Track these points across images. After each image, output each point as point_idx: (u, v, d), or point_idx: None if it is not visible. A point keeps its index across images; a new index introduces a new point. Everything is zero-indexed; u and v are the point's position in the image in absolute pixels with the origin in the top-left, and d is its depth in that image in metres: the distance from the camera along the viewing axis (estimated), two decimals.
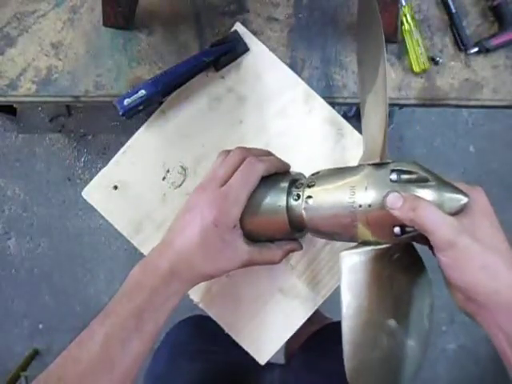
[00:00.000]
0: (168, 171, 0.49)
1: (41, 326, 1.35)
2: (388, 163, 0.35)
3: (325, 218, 0.37)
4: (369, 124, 0.40)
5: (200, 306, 0.48)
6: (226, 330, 0.48)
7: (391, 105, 0.52)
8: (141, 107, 0.45)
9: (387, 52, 0.50)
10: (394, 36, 0.49)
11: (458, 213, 0.32)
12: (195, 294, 0.47)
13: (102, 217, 0.49)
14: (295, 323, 0.47)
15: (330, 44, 0.50)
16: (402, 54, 0.50)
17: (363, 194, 0.34)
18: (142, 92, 0.44)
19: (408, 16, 0.49)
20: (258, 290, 0.48)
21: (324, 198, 0.37)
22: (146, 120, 0.49)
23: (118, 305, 0.35)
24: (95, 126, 1.26)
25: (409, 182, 0.33)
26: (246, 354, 0.47)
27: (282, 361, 0.72)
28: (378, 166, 0.35)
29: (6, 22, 0.49)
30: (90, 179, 0.49)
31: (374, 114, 0.38)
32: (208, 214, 0.37)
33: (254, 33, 0.49)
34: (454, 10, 0.50)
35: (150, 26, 0.50)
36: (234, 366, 0.61)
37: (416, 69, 0.49)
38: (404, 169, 0.34)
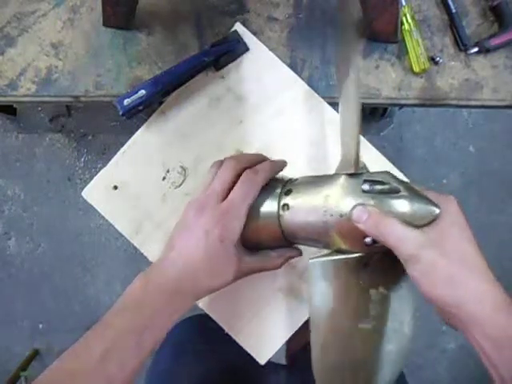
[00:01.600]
0: (168, 171, 0.49)
1: (41, 326, 1.35)
2: (362, 173, 0.35)
3: (300, 226, 0.38)
4: (344, 132, 0.39)
5: (200, 306, 0.48)
6: (226, 330, 0.48)
7: (391, 104, 0.52)
8: (141, 107, 0.45)
9: (387, 52, 0.50)
10: (393, 36, 0.49)
11: (429, 224, 0.32)
12: None
13: (102, 217, 0.49)
14: (295, 323, 0.47)
15: (330, 44, 0.50)
16: (402, 54, 0.50)
17: (336, 204, 0.35)
18: (142, 92, 0.44)
19: (408, 16, 0.48)
20: (258, 289, 0.48)
21: (299, 206, 0.38)
22: (146, 120, 0.49)
23: (118, 319, 0.35)
24: (95, 126, 1.26)
25: (381, 192, 0.34)
26: (250, 355, 0.48)
27: (282, 362, 0.72)
28: (352, 176, 0.36)
29: (5, 21, 0.49)
30: (90, 179, 0.49)
31: (347, 123, 0.38)
32: (212, 231, 0.37)
33: (254, 33, 0.49)
34: (454, 10, 0.50)
35: (149, 26, 0.50)
36: (239, 367, 0.61)
37: (416, 69, 0.49)
38: (376, 179, 0.34)
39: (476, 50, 0.50)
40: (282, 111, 0.49)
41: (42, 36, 0.49)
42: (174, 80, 0.47)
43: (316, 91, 0.49)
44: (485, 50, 0.50)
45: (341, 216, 0.34)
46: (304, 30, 0.50)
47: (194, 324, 0.68)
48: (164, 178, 0.49)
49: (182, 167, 0.49)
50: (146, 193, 0.49)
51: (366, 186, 0.34)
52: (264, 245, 0.42)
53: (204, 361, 0.61)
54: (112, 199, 0.49)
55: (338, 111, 0.49)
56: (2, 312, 1.34)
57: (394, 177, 0.35)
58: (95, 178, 0.49)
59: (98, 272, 1.34)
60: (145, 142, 0.49)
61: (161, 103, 0.49)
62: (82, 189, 0.49)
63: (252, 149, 0.49)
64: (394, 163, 0.49)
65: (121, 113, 0.44)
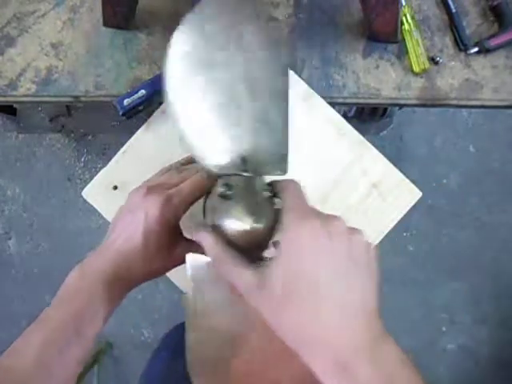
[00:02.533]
0: None
1: None
2: (228, 175, 0.32)
3: None
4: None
5: None
6: None
7: (391, 104, 0.52)
8: (141, 107, 0.45)
9: (387, 52, 0.50)
10: (394, 36, 0.49)
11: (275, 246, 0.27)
12: None
13: (102, 217, 0.49)
14: None
15: (330, 44, 0.50)
16: (402, 54, 0.50)
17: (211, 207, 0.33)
18: (142, 92, 0.44)
19: (408, 16, 0.49)
20: None
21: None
22: (145, 120, 0.49)
23: (56, 310, 0.34)
24: (95, 126, 1.26)
25: (228, 198, 0.30)
26: None
27: None
28: (222, 176, 0.32)
29: (6, 21, 0.49)
30: (90, 179, 0.49)
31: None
32: (152, 212, 0.36)
33: None
34: (454, 10, 0.50)
35: (149, 26, 0.50)
36: None
37: (416, 69, 0.49)
38: (229, 183, 0.31)
39: (476, 49, 0.50)
40: None
41: (42, 36, 0.49)
42: None
43: (316, 91, 0.49)
44: (485, 50, 0.50)
45: None
46: (304, 30, 0.50)
47: None
48: None
49: None
50: None
51: (221, 189, 0.31)
52: None
53: None
54: (112, 199, 0.49)
55: (337, 111, 0.49)
56: (1, 312, 1.34)
57: (248, 181, 0.31)
58: (95, 178, 0.49)
59: None
60: (145, 142, 0.49)
61: (161, 103, 0.49)
62: (82, 189, 0.49)
63: None
64: (394, 163, 0.49)
65: (121, 113, 0.44)
